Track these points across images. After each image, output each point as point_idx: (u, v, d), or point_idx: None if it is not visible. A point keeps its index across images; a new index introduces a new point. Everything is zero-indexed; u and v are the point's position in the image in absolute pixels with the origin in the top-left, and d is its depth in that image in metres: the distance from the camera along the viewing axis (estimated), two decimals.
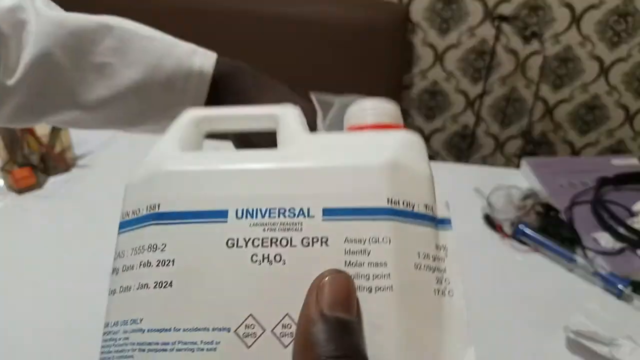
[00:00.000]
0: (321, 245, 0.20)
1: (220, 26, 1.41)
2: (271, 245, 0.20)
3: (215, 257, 0.20)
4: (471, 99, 1.60)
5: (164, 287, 0.20)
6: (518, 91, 1.57)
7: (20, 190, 0.86)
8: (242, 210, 0.21)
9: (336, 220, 0.21)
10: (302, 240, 0.20)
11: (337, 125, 0.31)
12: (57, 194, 0.86)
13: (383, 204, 0.21)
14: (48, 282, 0.69)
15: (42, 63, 0.38)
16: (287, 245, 0.20)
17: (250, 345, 0.19)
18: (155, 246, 0.21)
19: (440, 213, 0.22)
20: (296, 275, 0.20)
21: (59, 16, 0.39)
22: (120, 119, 0.42)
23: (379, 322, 0.19)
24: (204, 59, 0.41)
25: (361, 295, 0.19)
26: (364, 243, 0.20)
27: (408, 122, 1.68)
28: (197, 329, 0.20)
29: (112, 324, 0.21)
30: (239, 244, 0.20)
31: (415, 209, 0.21)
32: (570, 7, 1.42)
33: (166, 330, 0.20)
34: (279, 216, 0.21)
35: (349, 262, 0.20)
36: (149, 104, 0.41)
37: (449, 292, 0.21)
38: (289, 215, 0.21)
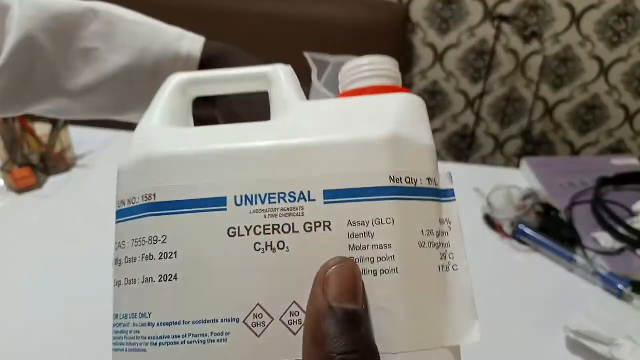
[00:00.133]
0: (324, 230, 0.20)
1: (220, 26, 1.41)
2: (273, 232, 0.20)
3: (218, 248, 0.20)
4: (471, 99, 1.60)
5: (169, 280, 0.20)
6: (518, 91, 1.57)
7: (20, 190, 0.86)
8: (242, 197, 0.21)
9: (338, 203, 0.20)
10: (305, 226, 0.20)
11: (332, 84, 0.29)
12: (57, 194, 0.86)
13: (385, 182, 0.20)
14: (48, 282, 0.69)
15: (26, 47, 0.37)
16: (289, 231, 0.20)
17: (260, 335, 0.19)
18: (155, 238, 0.21)
19: (443, 184, 0.22)
20: (301, 262, 0.20)
21: (44, 1, 0.38)
22: (107, 106, 0.41)
23: (385, 305, 0.19)
24: (191, 43, 0.40)
25: (366, 279, 0.19)
26: (367, 225, 0.20)
27: None
28: (206, 321, 0.20)
29: (122, 316, 0.22)
30: (241, 233, 0.20)
31: (418, 184, 0.21)
32: (570, 7, 1.42)
33: (176, 323, 0.20)
34: (279, 201, 0.20)
35: (353, 245, 0.20)
36: (136, 89, 0.41)
37: (453, 266, 0.21)
38: (289, 200, 0.20)
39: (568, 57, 1.50)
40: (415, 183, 0.21)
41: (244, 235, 0.20)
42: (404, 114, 0.22)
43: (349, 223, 0.20)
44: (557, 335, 0.63)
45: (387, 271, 0.19)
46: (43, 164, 0.89)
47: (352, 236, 0.20)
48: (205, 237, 0.20)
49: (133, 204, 0.22)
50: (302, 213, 0.20)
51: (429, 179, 0.21)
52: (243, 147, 0.21)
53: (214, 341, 0.20)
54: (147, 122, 0.24)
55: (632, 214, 0.82)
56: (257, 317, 0.20)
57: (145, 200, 0.21)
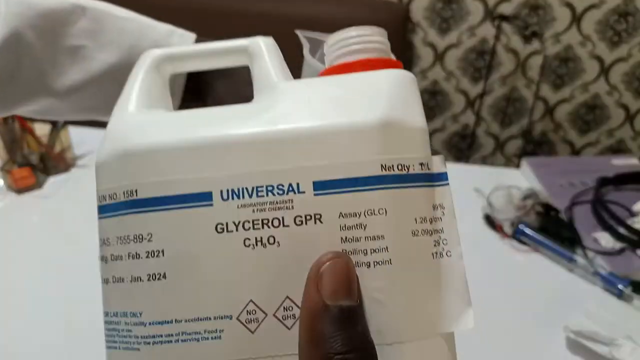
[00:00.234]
0: (315, 222, 0.19)
1: (220, 25, 1.41)
2: (263, 227, 0.19)
3: (207, 245, 0.20)
4: (471, 99, 1.60)
5: (158, 279, 0.20)
6: (518, 91, 1.57)
7: (20, 190, 0.86)
8: (228, 191, 0.20)
9: (328, 195, 0.19)
10: (295, 219, 0.19)
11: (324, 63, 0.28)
12: (56, 194, 0.86)
13: (377, 171, 0.20)
14: (48, 282, 0.69)
15: (12, 45, 0.36)
16: (279, 225, 0.19)
17: (255, 330, 0.19)
18: (141, 236, 0.20)
19: (436, 168, 0.21)
20: (292, 256, 0.19)
21: None
22: (96, 106, 0.40)
23: (379, 296, 0.19)
24: (181, 40, 0.40)
25: (359, 271, 0.19)
26: (359, 217, 0.19)
27: None
28: (199, 319, 0.19)
29: (112, 314, 0.21)
30: (229, 229, 0.20)
31: (411, 170, 0.20)
32: (570, 6, 1.42)
33: (168, 322, 0.20)
34: (267, 195, 0.20)
35: (345, 238, 0.19)
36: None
37: (447, 253, 0.21)
38: (278, 193, 0.20)
39: (568, 57, 1.50)
40: (408, 169, 0.20)
41: (232, 231, 0.20)
42: (395, 95, 0.21)
43: (341, 215, 0.19)
44: (557, 335, 0.63)
45: (380, 263, 0.19)
46: (43, 164, 0.89)
47: (344, 228, 0.19)
48: (192, 235, 0.20)
49: (114, 199, 0.21)
50: (292, 206, 0.19)
51: (421, 164, 0.21)
52: (226, 136, 0.20)
53: (208, 338, 0.19)
54: (123, 107, 0.23)
55: (632, 214, 0.82)
56: (250, 314, 0.19)
57: (127, 197, 0.21)
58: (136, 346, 0.20)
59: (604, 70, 1.51)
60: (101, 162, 0.22)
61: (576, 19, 1.44)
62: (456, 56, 1.53)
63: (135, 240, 0.20)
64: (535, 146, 1.67)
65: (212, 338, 0.19)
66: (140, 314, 0.20)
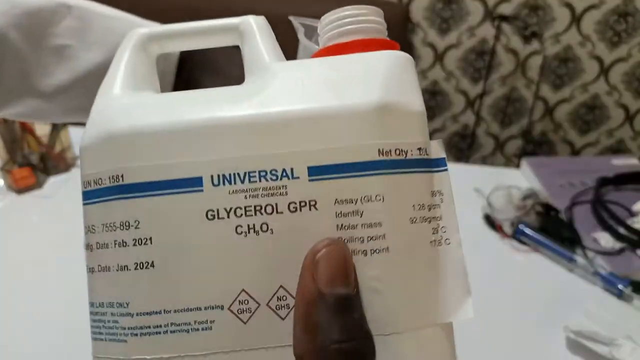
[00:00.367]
0: (310, 209, 0.19)
1: None
2: (255, 213, 0.19)
3: (197, 232, 0.19)
4: (471, 99, 1.60)
5: (146, 268, 0.19)
6: (518, 91, 1.57)
7: (20, 190, 0.86)
8: (219, 176, 0.19)
9: (324, 180, 0.19)
10: (289, 206, 0.19)
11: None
12: (57, 194, 0.86)
13: (374, 156, 0.19)
14: (48, 282, 0.69)
15: None
16: (272, 212, 0.19)
17: (247, 321, 0.19)
18: (127, 223, 0.19)
19: (434, 153, 0.20)
20: (286, 244, 0.19)
21: None
22: (82, 107, 0.39)
23: (377, 285, 0.18)
24: None
25: (356, 260, 0.18)
26: (356, 203, 0.19)
27: None
28: (188, 309, 0.19)
29: (98, 304, 0.20)
30: (220, 215, 0.19)
31: (409, 155, 0.20)
32: (570, 7, 1.42)
33: (156, 313, 0.19)
34: (260, 180, 0.19)
35: (341, 225, 0.19)
36: None
37: (445, 240, 0.20)
38: (271, 178, 0.19)
39: (568, 57, 1.50)
40: (406, 155, 0.19)
41: (223, 218, 0.19)
42: (392, 77, 0.20)
43: (337, 201, 0.19)
44: (557, 335, 0.63)
45: (377, 251, 0.18)
46: (43, 164, 0.89)
47: (339, 215, 0.19)
48: (181, 221, 0.19)
49: (100, 185, 0.21)
50: (286, 192, 0.19)
51: (419, 148, 0.20)
52: (217, 119, 0.19)
53: (198, 329, 0.19)
54: (108, 89, 0.22)
55: (632, 214, 0.82)
56: (242, 304, 0.19)
57: (113, 182, 0.20)
58: (123, 337, 0.19)
59: (604, 71, 1.51)
60: (86, 145, 0.21)
61: (576, 19, 1.44)
62: (456, 56, 1.53)
63: (121, 228, 0.20)
64: (535, 146, 1.67)
65: (202, 329, 0.19)
66: (127, 305, 0.19)
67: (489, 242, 0.79)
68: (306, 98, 0.20)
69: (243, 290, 0.19)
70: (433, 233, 0.20)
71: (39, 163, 0.88)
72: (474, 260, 0.86)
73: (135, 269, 0.19)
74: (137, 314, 0.19)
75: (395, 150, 0.19)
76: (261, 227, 0.19)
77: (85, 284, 0.22)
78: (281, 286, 0.19)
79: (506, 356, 0.62)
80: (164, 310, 0.19)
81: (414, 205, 0.19)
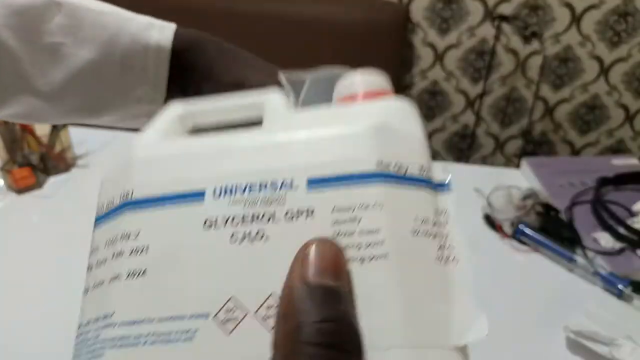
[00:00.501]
0: (306, 217, 0.18)
1: (220, 25, 1.41)
2: (252, 222, 0.19)
3: (192, 240, 0.19)
4: (471, 99, 1.60)
5: (138, 276, 0.19)
6: (518, 91, 1.57)
7: (20, 190, 0.86)
8: (221, 188, 0.19)
9: (322, 190, 0.19)
10: (286, 214, 0.19)
11: (311, 100, 0.28)
12: (57, 194, 0.86)
13: (372, 167, 0.19)
14: (48, 282, 0.69)
15: None
16: (269, 220, 0.19)
17: (231, 331, 0.18)
18: (128, 234, 0.19)
19: (439, 177, 0.20)
20: (280, 251, 0.18)
21: None
22: (79, 107, 0.39)
23: (375, 293, 0.17)
24: (161, 32, 0.38)
25: (353, 267, 0.17)
26: (354, 211, 0.18)
27: None
28: (172, 318, 0.18)
29: (85, 323, 0.20)
30: (218, 224, 0.19)
31: (409, 172, 0.19)
32: (570, 7, 1.42)
33: (139, 322, 0.18)
34: (260, 191, 0.19)
35: (338, 232, 0.18)
36: (107, 86, 0.38)
37: (453, 258, 0.19)
38: (271, 189, 0.19)
39: (568, 57, 1.50)
40: (406, 171, 0.19)
41: (220, 227, 0.19)
42: (393, 110, 0.21)
43: (334, 209, 0.18)
44: (557, 335, 0.63)
45: (375, 257, 0.18)
46: (43, 164, 0.89)
47: (337, 223, 0.18)
48: (179, 230, 0.19)
49: (111, 206, 0.21)
50: (284, 201, 0.19)
51: (421, 167, 0.20)
52: (226, 143, 0.21)
53: (177, 340, 0.18)
54: (138, 139, 0.23)
55: (632, 214, 0.82)
56: (229, 312, 0.18)
57: (123, 199, 0.20)
58: (101, 352, 0.18)
59: (604, 71, 1.51)
60: (106, 177, 0.22)
61: (576, 19, 1.44)
62: (456, 56, 1.53)
63: (122, 239, 0.19)
64: (535, 146, 1.67)
65: (183, 340, 0.18)
66: (112, 315, 0.19)
67: (489, 242, 0.79)
68: (311, 128, 0.21)
69: (232, 297, 0.18)
70: (439, 249, 0.19)
71: (39, 163, 0.88)
72: (474, 260, 0.85)
73: (127, 277, 0.19)
74: (119, 324, 0.18)
75: (395, 164, 0.19)
76: (256, 235, 0.19)
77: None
78: (272, 294, 0.18)
79: (506, 356, 0.62)
80: (148, 319, 0.18)
81: (416, 217, 0.19)
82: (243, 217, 0.19)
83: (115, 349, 0.18)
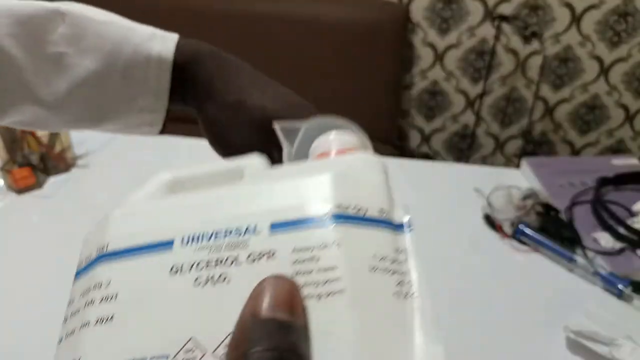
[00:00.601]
0: (268, 258, 0.19)
1: (220, 26, 1.41)
2: (216, 266, 0.19)
3: (158, 285, 0.19)
4: (471, 99, 1.60)
5: (105, 322, 0.19)
6: (518, 91, 1.57)
7: (20, 190, 0.86)
8: (189, 237, 0.20)
9: (284, 233, 0.20)
10: (248, 257, 0.19)
11: (305, 148, 0.30)
12: (57, 194, 0.86)
13: (331, 210, 0.20)
14: (48, 282, 0.69)
15: None
16: (232, 264, 0.19)
17: None
18: (100, 284, 0.20)
19: (399, 219, 0.21)
20: (240, 292, 0.18)
21: (7, 4, 0.36)
22: (82, 116, 0.40)
23: (331, 328, 0.17)
24: (162, 44, 0.38)
25: (311, 305, 0.18)
26: (313, 250, 0.19)
27: (408, 122, 1.68)
28: None
29: None
30: (183, 269, 0.20)
31: (368, 214, 0.20)
32: (570, 7, 1.42)
33: None
34: (225, 237, 0.20)
35: (297, 271, 0.19)
36: (110, 96, 0.39)
37: (412, 294, 0.19)
38: (235, 235, 0.20)
39: (568, 57, 1.50)
40: (365, 213, 0.20)
41: (185, 272, 0.20)
42: (357, 162, 0.23)
43: (294, 250, 0.19)
44: (557, 335, 0.63)
45: (332, 293, 0.18)
46: (43, 164, 0.89)
47: (297, 262, 0.19)
48: (146, 277, 0.20)
49: (89, 260, 0.22)
50: (247, 245, 0.20)
51: (381, 209, 0.21)
52: (200, 197, 0.22)
53: None
54: (124, 203, 0.25)
55: (632, 214, 0.82)
56: (188, 352, 0.18)
57: (99, 252, 0.21)
58: None
59: (604, 71, 1.51)
60: (86, 236, 0.23)
61: (576, 19, 1.44)
62: (456, 56, 1.53)
63: (94, 288, 0.20)
64: (535, 146, 1.67)
65: None
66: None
67: (489, 242, 0.79)
68: (279, 179, 0.22)
69: (191, 338, 0.18)
70: (397, 285, 0.19)
71: (39, 163, 0.88)
72: (474, 260, 0.86)
73: (95, 324, 0.19)
74: None
75: (354, 207, 0.20)
76: (219, 278, 0.19)
77: None
78: (231, 333, 0.18)
79: (506, 356, 0.62)
80: None
81: (374, 255, 0.20)
82: (207, 262, 0.20)
83: None
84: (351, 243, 0.19)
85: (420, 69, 1.56)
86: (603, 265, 0.72)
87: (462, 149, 1.70)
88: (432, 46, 1.52)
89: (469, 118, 1.64)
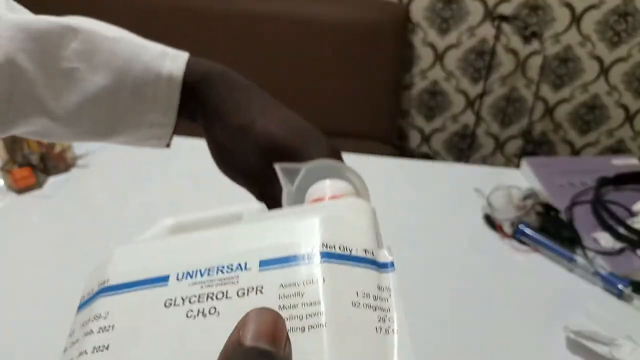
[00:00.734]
0: (256, 293, 0.20)
1: (220, 26, 1.41)
2: (207, 300, 0.21)
3: (153, 317, 0.21)
4: (471, 99, 1.60)
5: (101, 351, 0.20)
6: (518, 91, 1.57)
7: (20, 190, 0.86)
8: (183, 273, 0.22)
9: (272, 269, 0.21)
10: (238, 292, 0.21)
11: (304, 190, 0.31)
12: (57, 194, 0.86)
13: (318, 248, 0.21)
14: (48, 282, 0.69)
15: (6, 69, 0.36)
16: (222, 298, 0.21)
17: None
18: (99, 315, 0.21)
19: (384, 258, 0.22)
20: (228, 324, 0.18)
21: (21, 20, 0.37)
22: (92, 130, 0.40)
23: (311, 359, 0.18)
24: (173, 62, 0.39)
25: (294, 337, 0.18)
26: (298, 286, 0.20)
27: (408, 122, 1.68)
28: None
29: None
30: (177, 303, 0.21)
31: (354, 253, 0.22)
32: (570, 7, 1.42)
33: None
34: (217, 273, 0.21)
35: (283, 305, 0.20)
36: (120, 111, 0.39)
37: (393, 330, 0.20)
38: (226, 271, 0.21)
39: (568, 57, 1.50)
40: (350, 252, 0.22)
41: (179, 305, 0.21)
42: (346, 206, 0.25)
43: (281, 285, 0.20)
44: (557, 335, 0.63)
45: (314, 326, 0.19)
46: (43, 164, 0.89)
47: (283, 297, 0.20)
48: (142, 309, 0.21)
49: (90, 294, 0.23)
50: (237, 281, 0.21)
51: (365, 249, 0.22)
52: (198, 237, 0.24)
53: None
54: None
55: (632, 214, 0.82)
56: None
57: (100, 286, 0.23)
58: None
59: (604, 71, 1.51)
60: (90, 273, 0.25)
61: (576, 19, 1.44)
62: (456, 56, 1.53)
63: (93, 320, 0.21)
64: (535, 146, 1.67)
65: None
66: None
67: (489, 242, 0.79)
68: (272, 221, 0.24)
69: None
70: (379, 321, 0.20)
71: (39, 163, 0.88)
72: (474, 260, 0.86)
73: (92, 352, 0.20)
74: None
75: (340, 246, 0.22)
76: (209, 311, 0.20)
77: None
78: None
79: (506, 356, 0.62)
80: None
81: (357, 292, 0.20)
82: (199, 296, 0.21)
83: None
84: (335, 279, 0.20)
85: (420, 69, 1.56)
86: (603, 265, 0.72)
87: (462, 149, 1.70)
88: (432, 46, 1.52)
89: (469, 118, 1.64)
